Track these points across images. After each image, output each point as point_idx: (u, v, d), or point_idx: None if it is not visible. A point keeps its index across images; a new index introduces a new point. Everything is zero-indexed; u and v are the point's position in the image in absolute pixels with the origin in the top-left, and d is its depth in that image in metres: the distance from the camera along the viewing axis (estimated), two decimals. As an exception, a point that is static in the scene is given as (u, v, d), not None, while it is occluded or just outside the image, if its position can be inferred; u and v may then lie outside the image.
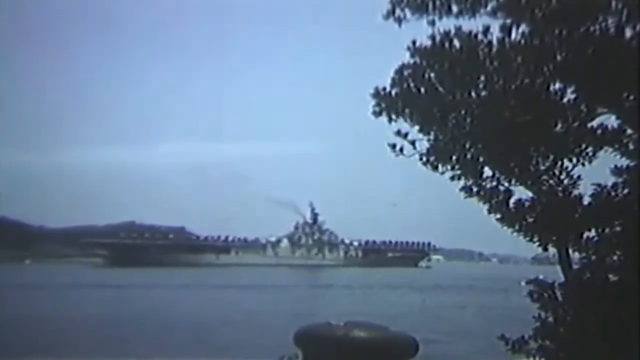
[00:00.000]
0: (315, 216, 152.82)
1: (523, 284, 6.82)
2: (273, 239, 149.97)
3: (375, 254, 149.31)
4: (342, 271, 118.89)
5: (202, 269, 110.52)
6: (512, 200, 6.73)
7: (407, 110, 6.76)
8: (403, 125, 6.80)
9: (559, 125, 6.52)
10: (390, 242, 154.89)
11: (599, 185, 6.49)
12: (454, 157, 6.68)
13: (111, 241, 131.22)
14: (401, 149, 6.76)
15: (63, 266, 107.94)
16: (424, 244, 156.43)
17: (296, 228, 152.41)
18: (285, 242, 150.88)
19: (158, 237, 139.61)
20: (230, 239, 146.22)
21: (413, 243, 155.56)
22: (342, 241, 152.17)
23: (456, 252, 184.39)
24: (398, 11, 6.73)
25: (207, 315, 39.64)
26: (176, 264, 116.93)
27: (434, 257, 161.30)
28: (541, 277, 6.64)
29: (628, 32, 6.24)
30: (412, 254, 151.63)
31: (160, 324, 34.68)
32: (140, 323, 35.16)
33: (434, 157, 6.74)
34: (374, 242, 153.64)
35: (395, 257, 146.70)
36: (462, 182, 6.78)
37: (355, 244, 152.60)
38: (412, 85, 6.72)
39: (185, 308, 44.20)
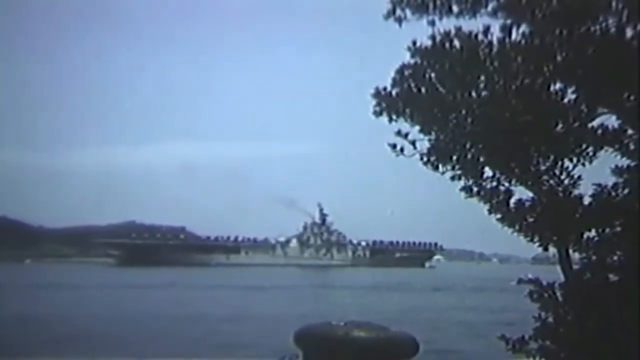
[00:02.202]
0: (323, 217, 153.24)
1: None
2: (282, 239, 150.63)
3: (382, 254, 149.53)
4: (351, 271, 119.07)
5: (213, 268, 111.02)
6: (512, 200, 6.71)
7: (407, 110, 6.75)
8: (403, 125, 6.81)
9: (560, 126, 6.51)
10: (398, 242, 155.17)
11: (599, 185, 6.48)
12: (454, 157, 6.67)
13: (123, 241, 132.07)
14: (401, 149, 6.76)
15: (76, 266, 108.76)
16: (430, 244, 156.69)
17: (305, 228, 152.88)
18: (294, 243, 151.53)
19: (169, 237, 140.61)
20: (240, 239, 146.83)
21: (420, 243, 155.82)
22: (350, 241, 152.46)
23: (456, 252, 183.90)
24: (398, 11, 6.72)
25: (219, 315, 39.83)
26: (187, 263, 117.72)
27: (434, 257, 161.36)
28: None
29: (628, 32, 6.23)
30: (419, 254, 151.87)
31: (174, 324, 34.90)
32: (154, 322, 35.43)
33: (435, 157, 6.74)
34: (382, 242, 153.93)
35: (403, 258, 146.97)
36: (462, 182, 6.77)
37: (363, 244, 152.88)
38: (412, 85, 6.71)
39: (197, 308, 44.37)
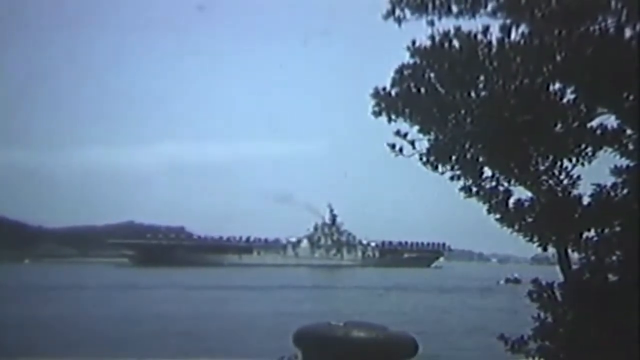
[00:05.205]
0: (334, 217, 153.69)
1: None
2: (293, 239, 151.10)
3: (391, 255, 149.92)
4: (362, 271, 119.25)
5: (226, 269, 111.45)
6: (511, 200, 6.71)
7: (406, 110, 6.75)
8: (402, 125, 6.81)
9: (559, 125, 6.50)
10: (407, 242, 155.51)
11: (598, 185, 6.47)
12: (453, 157, 6.67)
13: (138, 241, 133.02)
14: (400, 149, 6.76)
15: (89, 267, 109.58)
16: (438, 244, 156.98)
17: (315, 229, 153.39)
18: (305, 243, 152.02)
19: (183, 237, 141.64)
20: (252, 239, 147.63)
21: (428, 244, 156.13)
22: (360, 242, 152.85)
23: (456, 253, 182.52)
24: (398, 11, 6.72)
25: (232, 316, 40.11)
26: (201, 263, 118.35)
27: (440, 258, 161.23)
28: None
29: (628, 32, 6.22)
30: (427, 255, 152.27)
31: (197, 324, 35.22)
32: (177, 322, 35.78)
33: (434, 157, 6.74)
34: (390, 242, 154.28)
35: (411, 258, 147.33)
36: (461, 182, 6.77)
37: (373, 244, 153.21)
38: (411, 85, 6.71)
39: (213, 309, 44.74)
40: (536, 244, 6.62)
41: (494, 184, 6.72)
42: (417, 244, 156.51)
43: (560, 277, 6.61)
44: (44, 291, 55.86)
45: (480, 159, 6.72)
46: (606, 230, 6.42)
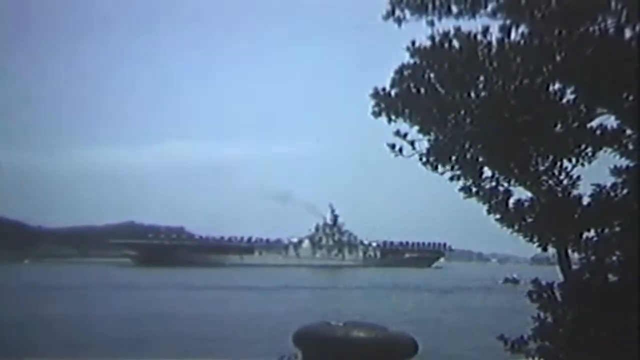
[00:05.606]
0: (335, 217, 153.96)
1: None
2: (295, 239, 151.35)
3: (392, 255, 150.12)
4: (363, 272, 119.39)
5: (228, 269, 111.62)
6: (511, 201, 6.71)
7: (406, 111, 6.75)
8: (402, 125, 6.81)
9: (559, 126, 6.50)
10: (407, 242, 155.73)
11: (598, 185, 6.47)
12: (453, 158, 6.67)
13: (140, 242, 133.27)
14: (400, 149, 6.76)
15: (93, 267, 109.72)
16: (439, 244, 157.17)
17: (317, 229, 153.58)
18: (306, 243, 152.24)
19: (184, 237, 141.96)
20: (253, 239, 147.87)
21: (429, 244, 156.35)
22: (361, 242, 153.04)
23: (456, 253, 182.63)
24: (398, 11, 6.72)
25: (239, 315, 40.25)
26: (203, 264, 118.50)
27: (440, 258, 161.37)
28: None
29: (628, 33, 6.22)
30: (428, 255, 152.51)
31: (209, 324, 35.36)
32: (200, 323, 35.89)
33: (434, 158, 6.73)
34: (391, 243, 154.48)
35: (412, 258, 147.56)
36: (461, 183, 6.77)
37: (374, 244, 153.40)
38: (411, 85, 6.71)
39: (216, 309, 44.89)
40: (536, 244, 6.61)
41: (494, 184, 6.71)
42: (418, 244, 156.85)
43: (560, 277, 6.60)
44: (44, 291, 55.84)
45: (480, 159, 6.71)
46: (606, 230, 6.41)
